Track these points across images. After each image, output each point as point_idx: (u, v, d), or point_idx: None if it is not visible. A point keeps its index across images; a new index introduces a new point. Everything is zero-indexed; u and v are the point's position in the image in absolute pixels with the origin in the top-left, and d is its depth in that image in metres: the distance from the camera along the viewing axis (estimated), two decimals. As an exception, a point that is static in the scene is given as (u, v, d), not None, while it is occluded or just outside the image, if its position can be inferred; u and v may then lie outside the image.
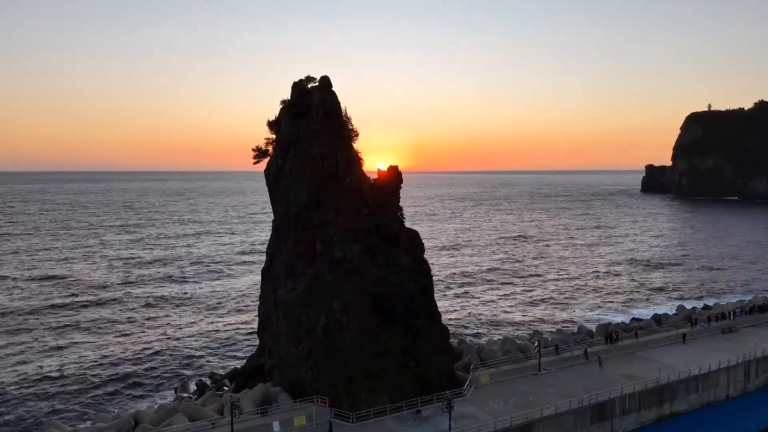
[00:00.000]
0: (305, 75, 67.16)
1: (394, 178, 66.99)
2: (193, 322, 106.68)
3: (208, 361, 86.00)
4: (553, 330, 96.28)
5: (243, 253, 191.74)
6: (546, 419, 55.04)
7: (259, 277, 74.76)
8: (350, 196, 63.09)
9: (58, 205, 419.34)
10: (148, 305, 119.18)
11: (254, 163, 71.88)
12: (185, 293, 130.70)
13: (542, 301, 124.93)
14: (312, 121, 64.21)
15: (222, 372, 79.60)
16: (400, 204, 67.56)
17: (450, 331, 67.55)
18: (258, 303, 72.22)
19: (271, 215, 72.00)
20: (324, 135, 63.52)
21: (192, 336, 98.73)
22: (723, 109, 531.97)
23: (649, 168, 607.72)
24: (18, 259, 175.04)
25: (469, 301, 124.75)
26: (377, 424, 53.03)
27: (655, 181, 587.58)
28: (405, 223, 67.27)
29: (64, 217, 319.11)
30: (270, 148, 70.25)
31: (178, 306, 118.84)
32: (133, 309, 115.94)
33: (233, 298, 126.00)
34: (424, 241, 66.95)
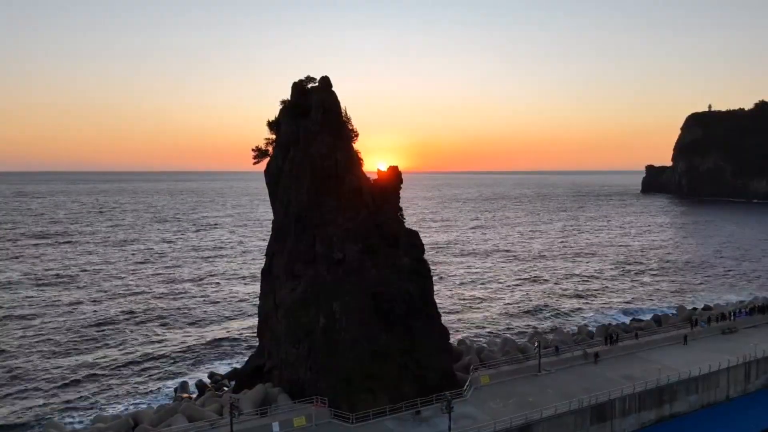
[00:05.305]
0: (305, 75, 67.29)
1: (394, 178, 66.81)
2: (193, 323, 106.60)
3: (207, 362, 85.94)
4: (553, 330, 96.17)
5: (243, 253, 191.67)
6: (546, 420, 54.96)
7: (258, 278, 74.67)
8: (350, 197, 62.98)
9: (59, 206, 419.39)
10: (147, 305, 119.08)
11: (254, 164, 71.80)
12: (185, 293, 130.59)
13: (542, 301, 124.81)
14: (312, 121, 64.15)
15: (222, 372, 79.50)
16: (400, 204, 67.46)
17: (450, 332, 67.45)
18: (258, 303, 72.16)
19: (271, 215, 71.93)
20: (324, 135, 63.45)
21: (191, 336, 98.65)
22: (723, 109, 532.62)
23: (650, 168, 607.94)
24: (19, 260, 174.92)
25: (468, 301, 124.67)
26: (377, 424, 52.97)
27: (655, 181, 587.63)
28: (405, 224, 67.16)
29: (64, 217, 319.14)
30: (270, 149, 70.16)
31: (177, 306, 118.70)
32: (133, 309, 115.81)
33: (233, 299, 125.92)
34: (424, 241, 66.86)
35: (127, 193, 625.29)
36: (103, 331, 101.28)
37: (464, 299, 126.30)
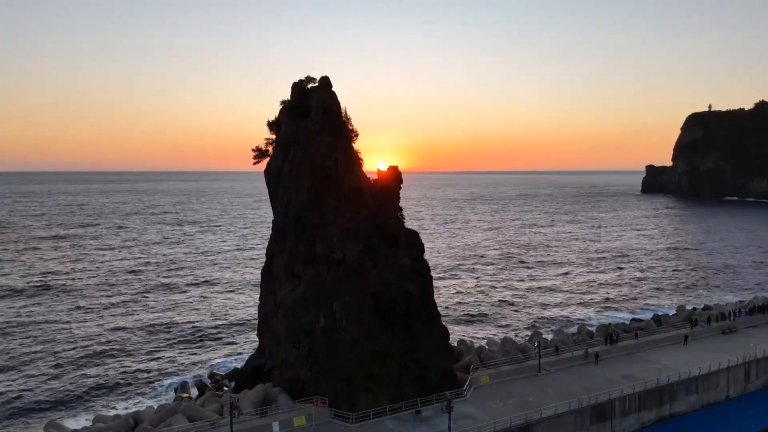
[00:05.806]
0: (305, 75, 67.37)
1: (394, 178, 66.87)
2: (193, 323, 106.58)
3: (207, 362, 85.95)
4: (553, 330, 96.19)
5: (243, 253, 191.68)
6: (546, 420, 54.98)
7: (258, 278, 74.67)
8: (350, 197, 63.02)
9: (59, 206, 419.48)
10: (147, 306, 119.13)
11: (254, 164, 71.89)
12: (185, 294, 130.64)
13: (542, 301, 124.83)
14: (312, 121, 64.19)
15: (222, 372, 79.55)
16: (400, 204, 67.48)
17: (450, 332, 67.49)
18: (258, 303, 72.21)
19: (271, 216, 71.97)
20: (324, 135, 63.49)
21: (192, 336, 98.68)
22: (723, 109, 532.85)
23: (650, 168, 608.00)
24: (19, 261, 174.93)
25: (469, 301, 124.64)
26: (377, 424, 52.99)
27: (655, 181, 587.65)
28: (405, 224, 67.19)
29: (65, 218, 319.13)
30: (270, 149, 70.24)
31: (177, 306, 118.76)
32: (133, 310, 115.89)
33: (233, 299, 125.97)
34: (424, 241, 66.89)
35: (128, 193, 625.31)
36: (103, 331, 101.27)
37: (464, 299, 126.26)
